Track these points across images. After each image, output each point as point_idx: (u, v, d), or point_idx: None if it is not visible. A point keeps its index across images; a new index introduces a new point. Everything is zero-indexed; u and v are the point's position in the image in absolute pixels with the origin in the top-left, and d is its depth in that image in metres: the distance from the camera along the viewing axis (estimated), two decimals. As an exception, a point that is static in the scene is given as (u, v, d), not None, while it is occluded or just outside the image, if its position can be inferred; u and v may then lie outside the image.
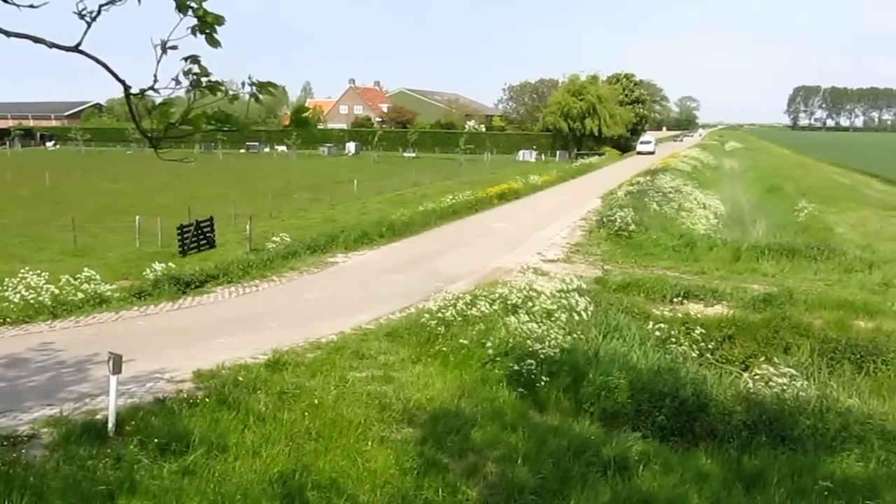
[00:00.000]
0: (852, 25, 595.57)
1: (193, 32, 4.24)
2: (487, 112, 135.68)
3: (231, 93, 4.48)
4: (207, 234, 27.83)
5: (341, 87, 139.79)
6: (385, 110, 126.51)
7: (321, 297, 20.66)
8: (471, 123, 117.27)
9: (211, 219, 28.32)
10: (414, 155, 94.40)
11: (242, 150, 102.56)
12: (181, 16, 4.22)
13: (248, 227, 27.23)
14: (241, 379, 12.81)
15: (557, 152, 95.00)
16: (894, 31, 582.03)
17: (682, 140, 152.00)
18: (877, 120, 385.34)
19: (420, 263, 25.61)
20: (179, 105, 4.46)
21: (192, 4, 4.21)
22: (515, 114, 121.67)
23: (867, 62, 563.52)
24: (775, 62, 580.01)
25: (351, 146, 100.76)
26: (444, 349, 15.09)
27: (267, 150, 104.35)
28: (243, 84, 4.33)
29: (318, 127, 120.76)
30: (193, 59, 4.26)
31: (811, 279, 24.06)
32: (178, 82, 4.31)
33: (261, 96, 4.48)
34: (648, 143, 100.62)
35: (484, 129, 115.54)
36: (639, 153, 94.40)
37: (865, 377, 17.78)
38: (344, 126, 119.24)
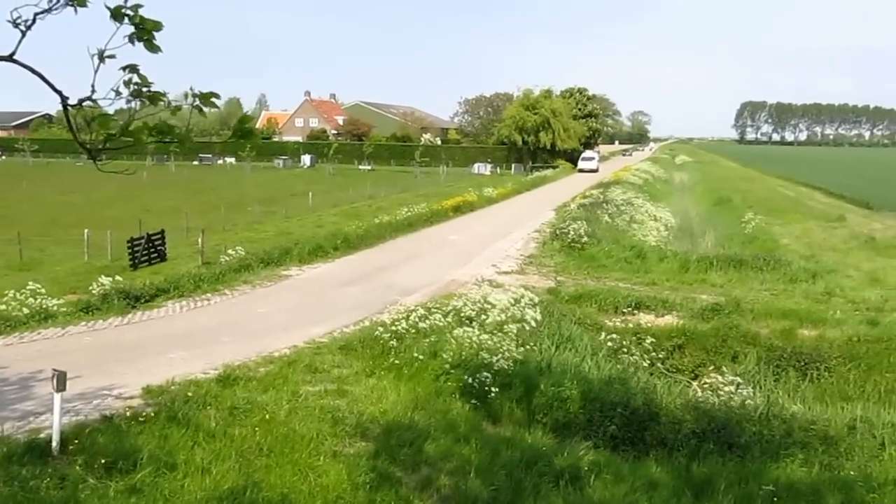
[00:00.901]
0: (797, 43, 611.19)
1: (131, 40, 4.16)
2: (443, 125, 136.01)
3: (173, 104, 4.38)
4: (159, 248, 27.39)
5: (297, 100, 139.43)
6: (341, 123, 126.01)
7: (275, 310, 20.43)
8: (426, 136, 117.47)
9: (162, 232, 27.88)
10: (370, 168, 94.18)
11: (196, 162, 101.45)
12: (118, 24, 4.12)
13: (200, 240, 26.84)
14: (191, 394, 12.56)
15: (512, 165, 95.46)
16: (835, 50, 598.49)
17: (630, 154, 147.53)
18: (819, 134, 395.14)
19: (375, 276, 25.48)
20: (123, 116, 4.35)
21: (128, 12, 4.12)
22: (471, 127, 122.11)
23: (811, 79, 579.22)
24: (724, 78, 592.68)
25: (306, 159, 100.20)
26: (398, 362, 14.99)
27: (221, 161, 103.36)
28: (186, 95, 4.24)
29: (274, 139, 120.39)
30: (132, 67, 4.16)
31: (758, 289, 24.44)
32: (118, 93, 4.21)
33: (207, 108, 4.39)
34: (591, 159, 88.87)
35: (440, 143, 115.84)
36: (580, 171, 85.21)
37: (809, 384, 18.12)
38: (299, 139, 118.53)
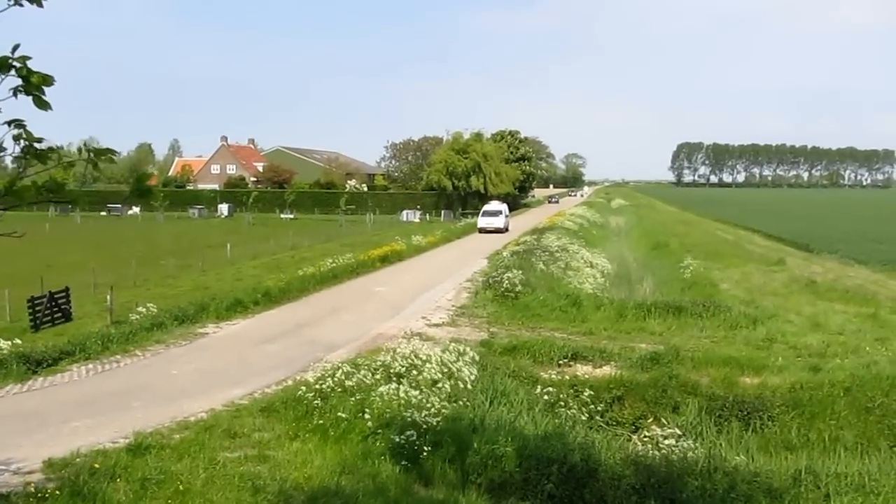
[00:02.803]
0: (733, 83, 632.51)
1: (15, 94, 4.05)
2: (369, 170, 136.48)
3: (66, 160, 4.33)
4: (62, 306, 26.77)
5: (213, 145, 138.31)
6: (260, 169, 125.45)
7: (190, 371, 20.12)
8: (352, 182, 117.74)
9: (66, 289, 27.28)
10: (292, 216, 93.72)
11: (104, 213, 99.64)
12: (2, 76, 4.03)
13: (108, 297, 26.36)
14: (98, 466, 12.29)
15: (442, 212, 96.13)
16: (772, 90, 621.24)
17: (556, 201, 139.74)
18: (758, 176, 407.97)
19: (298, 332, 25.33)
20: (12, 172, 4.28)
21: (15, 64, 4.02)
22: (398, 172, 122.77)
23: (748, 119, 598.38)
24: (659, 119, 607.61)
25: (224, 208, 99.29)
26: (323, 423, 14.93)
27: (131, 211, 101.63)
28: (80, 150, 4.21)
29: (188, 188, 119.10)
30: (17, 123, 4.08)
31: (697, 336, 25.02)
32: (2, 148, 4.13)
33: (100, 164, 4.35)
34: (496, 214, 69.14)
35: (366, 189, 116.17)
36: (481, 231, 67.03)
37: (752, 433, 18.51)
38: (216, 186, 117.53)
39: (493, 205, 72.27)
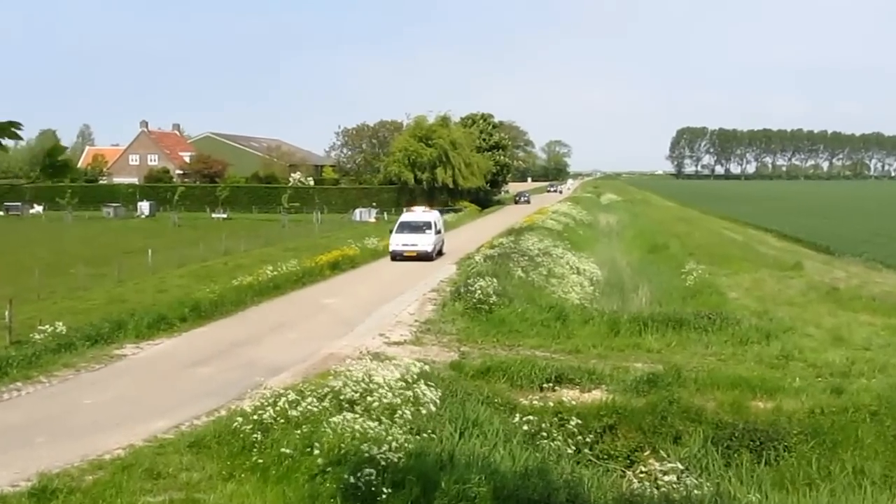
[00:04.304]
0: (740, 60, 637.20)
1: None
2: (317, 161, 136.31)
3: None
4: (-49, 325, 26.44)
5: (131, 132, 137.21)
6: (188, 160, 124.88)
7: (105, 400, 19.95)
8: (296, 176, 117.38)
9: (-44, 304, 26.95)
10: (225, 216, 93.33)
11: (1, 213, 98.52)
12: None
13: (7, 312, 26.06)
14: (-6, 514, 12.16)
15: (403, 210, 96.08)
16: (785, 68, 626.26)
17: (527, 200, 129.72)
18: (770, 166, 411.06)
19: (233, 353, 25.22)
20: None
21: None
22: (351, 163, 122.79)
23: (758, 101, 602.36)
24: (656, 100, 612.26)
25: (144, 206, 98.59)
26: (263, 461, 14.85)
27: (33, 210, 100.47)
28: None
29: (101, 182, 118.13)
30: None
31: (702, 354, 25.20)
32: None
33: (10, 141, 4.31)
34: (421, 228, 51.81)
35: (312, 183, 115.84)
36: (394, 257, 50.07)
37: (766, 467, 18.63)
38: (135, 180, 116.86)
39: (416, 214, 55.09)
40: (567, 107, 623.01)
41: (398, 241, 50.51)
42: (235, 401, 19.19)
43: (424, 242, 50.37)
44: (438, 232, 52.83)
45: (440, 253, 52.83)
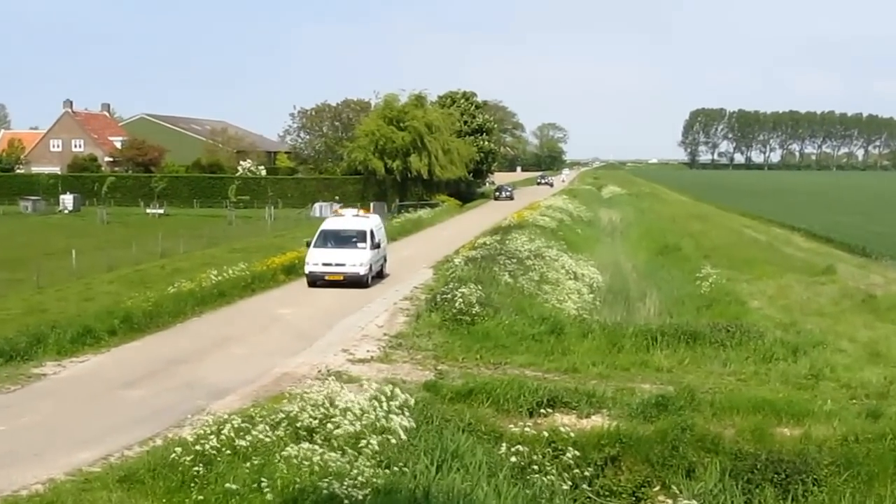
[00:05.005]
0: (763, 33, 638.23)
1: None
2: (270, 147, 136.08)
3: None
4: None
5: (53, 114, 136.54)
6: (119, 146, 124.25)
7: (21, 427, 19.82)
8: (246, 164, 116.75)
9: None
10: (162, 212, 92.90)
11: None
12: None
13: None
14: None
15: (371, 204, 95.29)
16: (815, 39, 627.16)
17: (509, 195, 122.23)
18: (798, 154, 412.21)
19: (171, 371, 25.13)
20: None
21: None
22: (310, 150, 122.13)
23: (784, 79, 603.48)
24: (665, 79, 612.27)
25: (68, 199, 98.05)
26: (205, 498, 14.80)
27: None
28: None
29: (18, 171, 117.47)
30: None
31: (719, 373, 25.27)
32: None
33: None
34: (352, 242, 42.72)
35: (264, 173, 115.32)
36: (311, 281, 41.54)
37: (792, 503, 18.70)
38: (57, 170, 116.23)
39: (346, 219, 45.68)
40: (562, 85, 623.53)
41: (317, 259, 41.74)
42: (173, 428, 19.15)
43: (355, 260, 41.59)
44: (377, 246, 43.70)
45: (380, 275, 44.54)
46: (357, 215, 46.07)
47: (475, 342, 28.35)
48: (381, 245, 45.15)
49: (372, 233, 43.20)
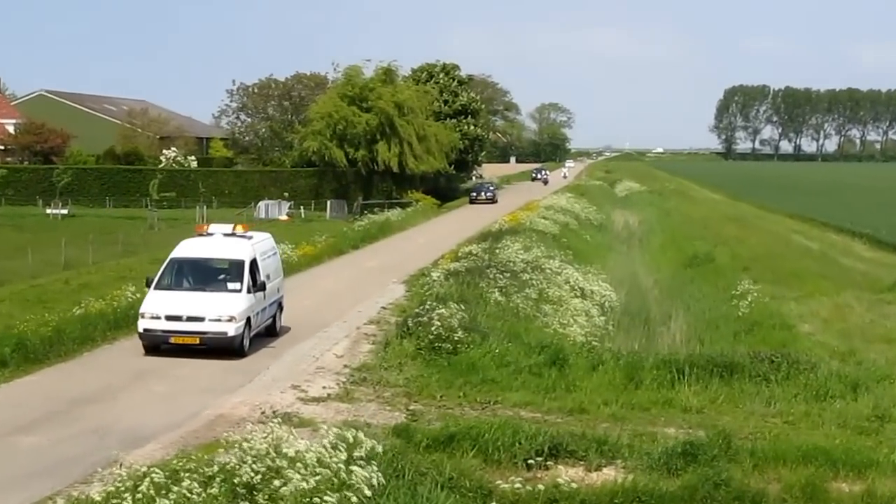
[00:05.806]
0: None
1: None
2: (201, 132, 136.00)
3: None
4: None
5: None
6: (12, 131, 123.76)
7: None
8: (171, 153, 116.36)
9: None
10: (66, 212, 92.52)
11: None
12: None
13: None
14: None
15: (329, 202, 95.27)
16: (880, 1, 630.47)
17: (491, 197, 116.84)
18: (859, 142, 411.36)
19: (76, 413, 25.08)
20: None
21: None
22: (252, 135, 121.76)
23: (840, 50, 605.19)
24: (694, 51, 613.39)
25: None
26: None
27: None
28: None
29: None
30: None
31: (761, 414, 25.32)
32: None
33: None
34: (218, 280, 34.20)
35: (195, 164, 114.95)
36: (148, 346, 32.27)
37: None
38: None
39: (212, 241, 35.67)
40: (566, 57, 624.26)
41: (157, 309, 32.20)
42: (78, 484, 19.10)
43: (220, 310, 31.97)
44: (257, 286, 33.56)
45: (271, 332, 35.83)
46: (231, 234, 35.77)
47: (457, 376, 28.32)
48: (275, 283, 36.41)
49: (254, 264, 34.01)
